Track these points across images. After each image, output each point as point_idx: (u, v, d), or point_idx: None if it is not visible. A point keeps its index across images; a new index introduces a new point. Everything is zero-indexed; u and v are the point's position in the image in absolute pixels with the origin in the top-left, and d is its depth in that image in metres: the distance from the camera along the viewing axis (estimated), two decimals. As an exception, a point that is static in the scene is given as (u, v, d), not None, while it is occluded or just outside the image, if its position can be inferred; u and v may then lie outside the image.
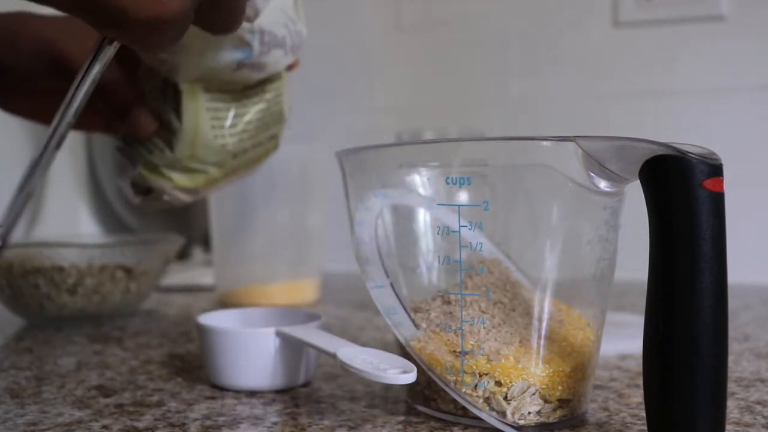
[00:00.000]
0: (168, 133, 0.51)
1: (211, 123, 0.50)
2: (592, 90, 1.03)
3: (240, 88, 0.51)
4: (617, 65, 1.02)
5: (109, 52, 0.36)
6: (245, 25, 0.46)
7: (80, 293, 0.67)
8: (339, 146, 0.42)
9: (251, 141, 0.53)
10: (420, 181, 0.39)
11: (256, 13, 0.47)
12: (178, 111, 0.50)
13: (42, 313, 0.67)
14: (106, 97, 0.51)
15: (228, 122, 0.51)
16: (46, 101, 0.52)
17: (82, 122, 0.58)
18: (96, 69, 0.36)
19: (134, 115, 0.50)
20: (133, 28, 0.31)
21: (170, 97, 0.50)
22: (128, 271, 0.69)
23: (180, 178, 0.51)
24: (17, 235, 0.97)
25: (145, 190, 0.53)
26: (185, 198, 0.53)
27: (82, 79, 0.36)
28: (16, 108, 0.57)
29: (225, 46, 0.47)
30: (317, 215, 0.81)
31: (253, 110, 0.52)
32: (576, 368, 0.37)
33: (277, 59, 0.50)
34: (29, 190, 0.37)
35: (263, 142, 0.54)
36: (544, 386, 0.36)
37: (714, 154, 0.30)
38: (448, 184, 0.37)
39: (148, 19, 0.30)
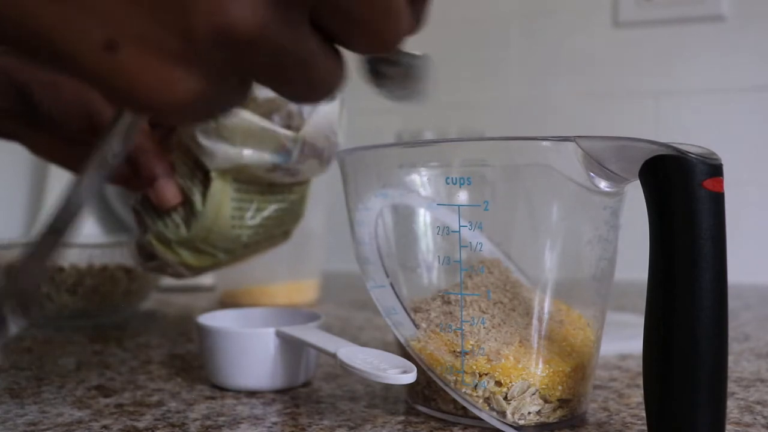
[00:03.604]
0: (188, 211, 0.50)
1: (232, 213, 0.50)
2: (592, 90, 1.03)
3: (268, 184, 0.51)
4: (617, 65, 1.02)
5: (128, 122, 0.29)
6: (289, 134, 0.47)
7: (80, 293, 0.67)
8: (339, 146, 0.42)
9: (265, 235, 0.53)
10: (420, 181, 0.39)
11: (303, 123, 0.47)
12: (204, 195, 0.49)
13: (42, 313, 0.67)
14: (134, 163, 0.50)
15: (249, 215, 0.51)
16: (78, 150, 0.51)
17: None
18: (114, 141, 0.29)
19: (160, 186, 0.49)
20: (142, 109, 0.25)
21: (199, 178, 0.50)
22: (128, 271, 0.69)
23: (188, 257, 0.51)
24: (17, 235, 0.97)
25: (149, 255, 0.53)
26: (187, 274, 0.53)
27: (98, 151, 0.29)
28: (47, 153, 0.56)
29: (264, 147, 0.47)
30: (317, 215, 0.81)
31: (274, 207, 0.52)
32: (576, 368, 0.36)
33: (311, 168, 0.50)
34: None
35: (276, 235, 0.54)
36: (544, 386, 0.36)
37: (714, 154, 0.30)
38: (448, 184, 0.37)
39: (153, 105, 0.25)
